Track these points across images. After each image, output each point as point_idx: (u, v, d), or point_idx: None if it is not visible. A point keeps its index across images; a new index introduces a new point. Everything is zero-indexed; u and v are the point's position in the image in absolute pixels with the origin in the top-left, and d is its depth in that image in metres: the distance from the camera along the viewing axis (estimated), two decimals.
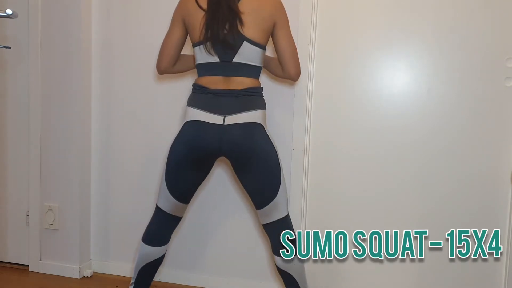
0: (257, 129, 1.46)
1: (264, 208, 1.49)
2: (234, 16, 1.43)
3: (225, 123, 1.43)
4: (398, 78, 1.85)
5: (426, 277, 1.88)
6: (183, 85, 2.04)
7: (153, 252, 1.59)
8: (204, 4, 1.46)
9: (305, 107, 1.91)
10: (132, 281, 1.63)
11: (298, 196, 1.94)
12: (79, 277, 2.13)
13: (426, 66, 1.82)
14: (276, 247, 1.52)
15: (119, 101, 2.13)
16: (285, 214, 1.52)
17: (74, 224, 2.13)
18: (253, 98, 1.49)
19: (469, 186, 1.81)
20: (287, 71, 1.55)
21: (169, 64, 1.58)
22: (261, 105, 1.51)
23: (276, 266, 1.56)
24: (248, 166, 1.47)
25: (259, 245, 2.02)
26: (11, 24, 2.14)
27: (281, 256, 1.50)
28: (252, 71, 1.50)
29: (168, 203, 1.54)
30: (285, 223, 1.52)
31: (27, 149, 2.17)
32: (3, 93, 2.19)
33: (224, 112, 1.44)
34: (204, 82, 1.50)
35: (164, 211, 1.56)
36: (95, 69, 2.14)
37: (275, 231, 1.52)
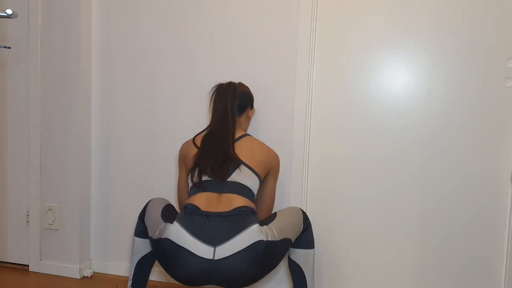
0: (252, 254, 1.34)
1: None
2: (227, 156, 1.51)
3: (215, 258, 1.33)
4: (398, 78, 1.85)
5: (426, 277, 1.88)
6: (183, 85, 2.05)
7: (146, 244, 1.63)
8: (199, 143, 1.59)
9: (305, 107, 1.91)
10: (130, 277, 1.64)
11: (298, 196, 1.94)
12: (79, 277, 2.13)
13: (426, 66, 1.82)
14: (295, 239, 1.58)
15: (119, 101, 2.13)
16: (302, 227, 1.59)
17: (74, 224, 2.13)
18: (243, 218, 1.40)
19: (469, 186, 1.81)
20: (258, 213, 1.68)
21: (184, 199, 1.73)
22: (253, 220, 1.40)
23: (290, 260, 1.63)
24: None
25: None
26: (11, 24, 2.14)
27: (299, 248, 1.59)
28: (246, 192, 1.51)
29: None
30: (305, 236, 1.61)
31: (27, 149, 2.18)
32: (3, 93, 2.19)
33: (214, 242, 1.33)
34: (196, 201, 1.45)
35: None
36: (95, 69, 2.14)
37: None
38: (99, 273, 2.21)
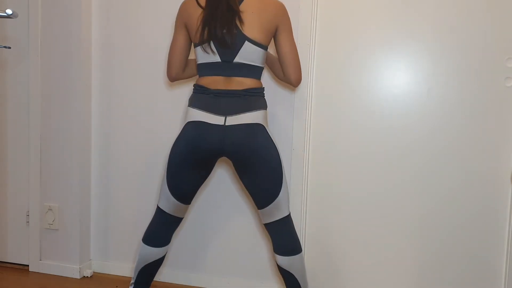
0: (259, 129, 1.45)
1: (265, 208, 1.49)
2: (233, 14, 1.42)
3: (226, 124, 1.43)
4: (398, 78, 1.85)
5: (426, 277, 1.88)
6: (183, 84, 2.05)
7: (153, 252, 1.59)
8: (203, 3, 1.47)
9: (305, 107, 1.91)
10: (132, 281, 1.63)
11: (298, 196, 1.95)
12: (79, 277, 2.13)
13: (426, 66, 1.82)
14: (278, 246, 1.52)
15: (119, 101, 2.13)
16: (287, 213, 1.52)
17: (74, 224, 2.13)
18: (254, 99, 1.48)
19: (469, 186, 1.81)
20: (287, 76, 1.55)
21: (178, 71, 1.61)
22: (262, 105, 1.50)
23: (277, 265, 1.56)
24: (250, 167, 1.46)
25: (260, 245, 2.03)
26: (11, 24, 2.14)
27: (283, 255, 1.51)
28: (254, 71, 1.50)
29: (169, 204, 1.54)
30: (287, 222, 1.52)
31: (27, 149, 2.18)
32: (3, 93, 2.19)
33: (225, 113, 1.44)
34: (205, 82, 1.49)
35: (165, 212, 1.56)
36: (95, 69, 2.14)
37: (277, 230, 1.52)
38: (99, 273, 2.21)
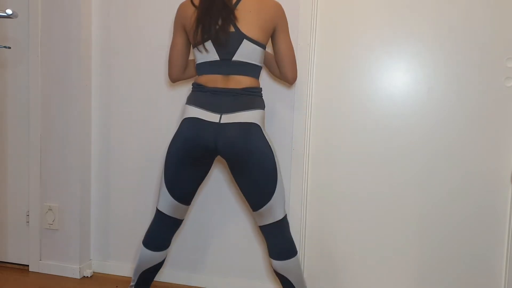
0: (254, 129, 1.44)
1: (259, 211, 1.47)
2: (228, 12, 1.42)
3: (221, 122, 1.43)
4: (398, 78, 1.85)
5: (426, 276, 1.88)
6: (183, 84, 2.05)
7: (153, 256, 1.58)
8: (198, 3, 1.47)
9: (305, 107, 1.91)
10: (132, 283, 1.63)
11: (298, 196, 1.94)
12: (79, 277, 2.13)
13: (426, 66, 1.82)
14: (272, 250, 1.50)
15: (119, 101, 2.13)
16: (281, 217, 1.48)
17: (74, 224, 2.13)
18: (252, 98, 1.47)
19: (469, 186, 1.81)
20: (284, 74, 1.58)
21: (178, 73, 1.62)
22: (260, 105, 1.48)
23: (273, 269, 1.54)
24: (243, 167, 1.44)
25: (260, 245, 2.03)
26: (11, 24, 2.14)
27: (277, 260, 1.49)
28: (252, 70, 1.49)
29: (168, 205, 1.52)
30: (281, 226, 1.49)
31: (27, 149, 2.18)
32: (3, 93, 2.19)
33: (221, 111, 1.44)
34: (203, 81, 1.49)
35: (165, 214, 1.54)
36: (95, 69, 2.14)
37: (271, 233, 1.49)
38: (99, 273, 2.21)
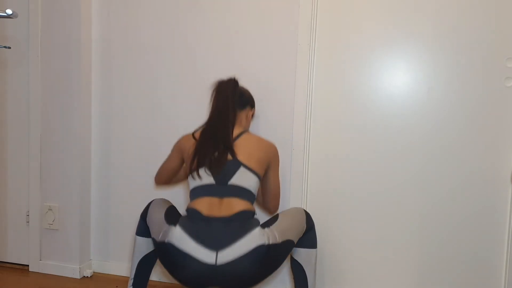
0: (259, 254, 1.35)
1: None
2: (228, 143, 1.51)
3: (217, 263, 1.32)
4: (398, 78, 1.85)
5: (427, 276, 1.88)
6: (183, 84, 2.05)
7: (148, 242, 1.64)
8: (198, 136, 1.57)
9: (305, 107, 1.91)
10: (131, 277, 1.64)
11: (298, 196, 1.95)
12: (79, 277, 2.13)
13: (426, 66, 1.82)
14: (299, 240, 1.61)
15: (119, 101, 2.13)
16: (296, 240, 1.56)
17: (74, 224, 2.13)
18: (244, 223, 1.40)
19: (469, 186, 1.81)
20: (267, 205, 1.73)
21: (165, 182, 1.77)
22: (255, 223, 1.41)
23: (293, 260, 1.64)
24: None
25: None
26: (11, 24, 2.14)
27: (303, 248, 1.63)
28: (247, 195, 1.50)
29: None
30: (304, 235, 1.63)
31: (27, 149, 2.18)
32: (3, 93, 2.19)
33: (217, 246, 1.33)
34: (197, 206, 1.44)
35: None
36: (95, 69, 2.14)
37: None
38: (99, 273, 2.21)
